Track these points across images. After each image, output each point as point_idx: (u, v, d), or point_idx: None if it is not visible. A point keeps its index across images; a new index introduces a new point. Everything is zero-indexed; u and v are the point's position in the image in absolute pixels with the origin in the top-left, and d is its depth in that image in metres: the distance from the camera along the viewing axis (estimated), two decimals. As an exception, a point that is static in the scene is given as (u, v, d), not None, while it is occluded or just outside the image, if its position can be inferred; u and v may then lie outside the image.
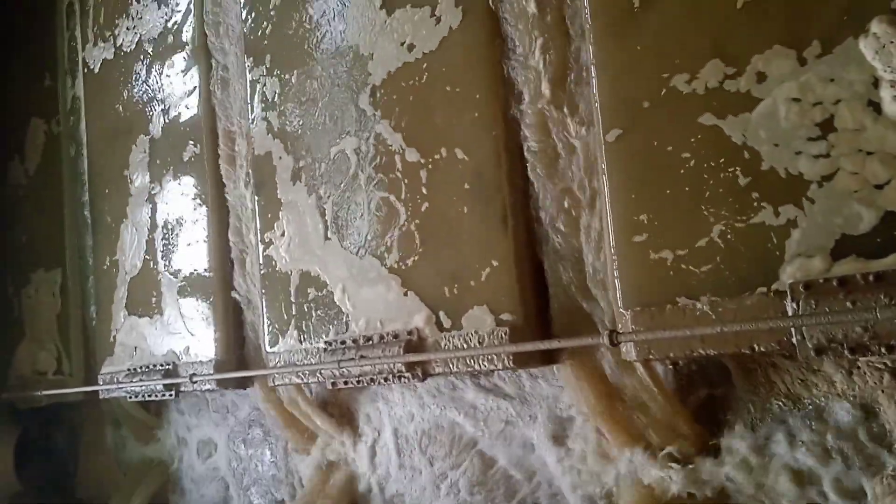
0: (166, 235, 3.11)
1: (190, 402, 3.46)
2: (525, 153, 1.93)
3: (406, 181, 2.12)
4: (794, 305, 1.35)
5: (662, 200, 1.57)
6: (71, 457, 4.41)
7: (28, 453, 4.41)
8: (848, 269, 1.32)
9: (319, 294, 2.38)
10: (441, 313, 2.02)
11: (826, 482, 1.56)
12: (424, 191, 2.07)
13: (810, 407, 1.60)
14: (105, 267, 3.52)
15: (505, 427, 2.18)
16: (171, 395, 2.98)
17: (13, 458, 4.26)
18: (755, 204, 1.45)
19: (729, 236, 1.47)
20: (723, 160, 1.49)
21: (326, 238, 2.36)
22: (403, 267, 2.12)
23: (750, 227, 1.45)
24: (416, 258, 2.09)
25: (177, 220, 3.06)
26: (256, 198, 2.65)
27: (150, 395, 3.08)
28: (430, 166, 2.06)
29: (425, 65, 2.09)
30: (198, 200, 2.96)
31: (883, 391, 1.50)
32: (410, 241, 2.11)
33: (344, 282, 2.29)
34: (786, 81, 1.41)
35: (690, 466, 1.68)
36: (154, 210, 3.18)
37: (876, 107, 1.32)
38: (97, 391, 3.47)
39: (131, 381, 3.16)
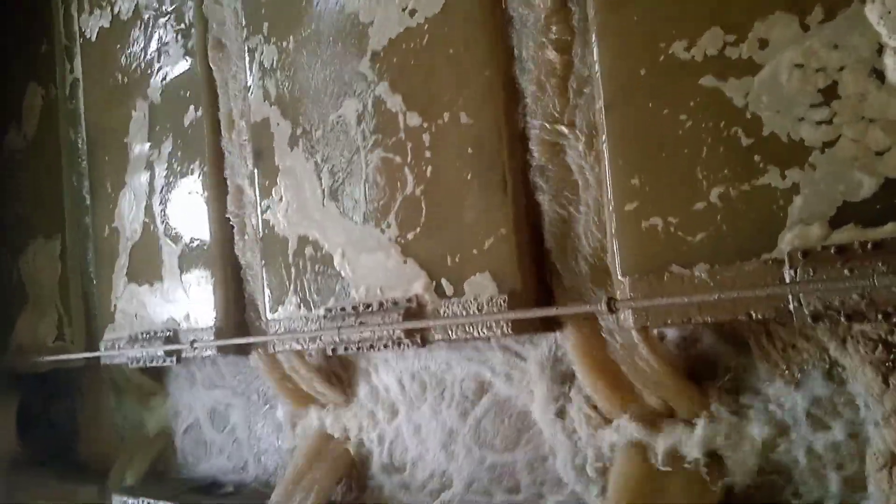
0: (165, 202, 3.11)
1: (192, 367, 3.49)
2: (526, 119, 1.92)
3: (407, 147, 2.11)
4: (792, 273, 1.36)
5: (660, 166, 1.57)
6: (73, 422, 4.45)
7: (30, 419, 4.45)
8: (846, 238, 1.33)
9: (318, 260, 2.38)
10: (440, 281, 2.03)
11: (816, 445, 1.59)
12: (427, 154, 2.06)
13: (803, 374, 1.61)
14: (105, 234, 3.52)
15: (508, 383, 2.19)
16: (172, 362, 3.00)
17: (15, 423, 4.30)
18: (760, 166, 1.43)
19: (729, 200, 1.47)
20: (723, 122, 1.48)
21: (324, 204, 2.36)
22: (403, 234, 2.12)
23: (754, 189, 1.44)
24: (417, 225, 2.09)
25: (176, 186, 3.06)
26: (255, 164, 2.65)
27: (151, 362, 3.10)
28: (432, 130, 2.05)
29: (427, 27, 2.07)
30: (197, 167, 2.95)
31: (871, 363, 1.51)
32: (411, 207, 2.11)
33: (343, 247, 2.30)
34: (789, 47, 1.40)
35: (685, 429, 1.70)
36: (153, 176, 3.18)
37: (879, 74, 1.31)
38: (98, 357, 3.49)
39: (132, 348, 3.18)
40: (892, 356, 1.49)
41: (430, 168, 2.06)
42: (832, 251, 1.32)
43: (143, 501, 3.14)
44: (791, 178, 1.39)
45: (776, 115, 1.41)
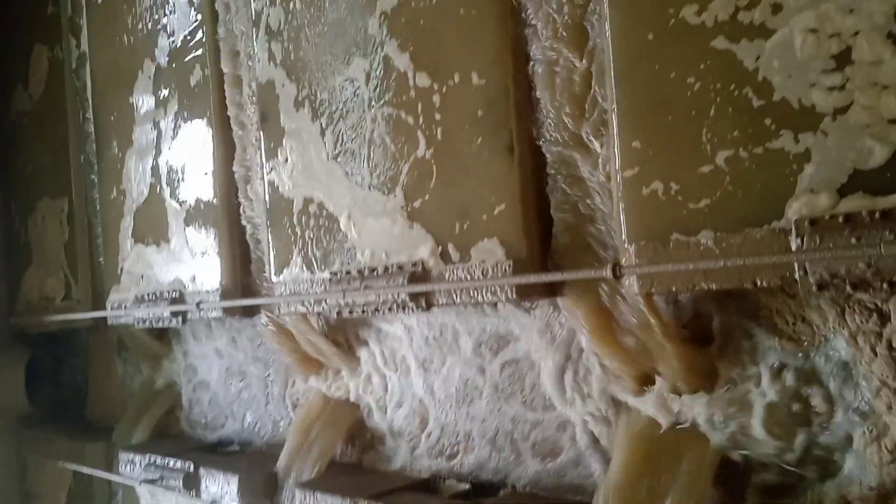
0: (172, 163, 3.11)
1: (199, 329, 3.51)
2: (534, 81, 1.90)
3: (416, 109, 2.10)
4: (799, 241, 1.35)
5: (666, 131, 1.56)
6: (80, 381, 4.50)
7: (38, 377, 4.51)
8: (854, 206, 1.32)
9: (324, 222, 2.38)
10: (446, 245, 2.03)
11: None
12: (437, 117, 2.04)
13: (805, 343, 1.62)
14: (111, 195, 3.53)
15: (515, 343, 2.20)
16: (178, 322, 3.02)
17: (24, 381, 4.35)
18: (771, 129, 1.42)
19: (737, 166, 1.46)
20: (733, 85, 1.46)
21: (330, 166, 2.36)
22: (409, 198, 2.12)
23: (764, 153, 1.42)
24: (423, 189, 2.08)
25: (182, 147, 3.05)
26: (260, 126, 2.64)
27: (157, 322, 3.13)
28: (442, 91, 2.03)
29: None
30: (203, 127, 2.94)
31: (864, 332, 1.52)
32: (418, 171, 2.10)
33: (349, 209, 2.30)
34: (803, 12, 1.37)
35: (687, 397, 1.71)
36: (159, 137, 3.17)
37: (895, 39, 1.29)
38: (105, 317, 3.52)
39: (139, 308, 3.21)
40: (883, 326, 1.49)
41: (438, 131, 2.04)
42: (840, 220, 1.32)
43: (149, 458, 3.19)
44: (803, 143, 1.38)
45: (788, 80, 1.39)
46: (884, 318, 1.49)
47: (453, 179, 2.01)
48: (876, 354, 1.50)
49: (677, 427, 1.72)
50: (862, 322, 1.52)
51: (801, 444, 1.61)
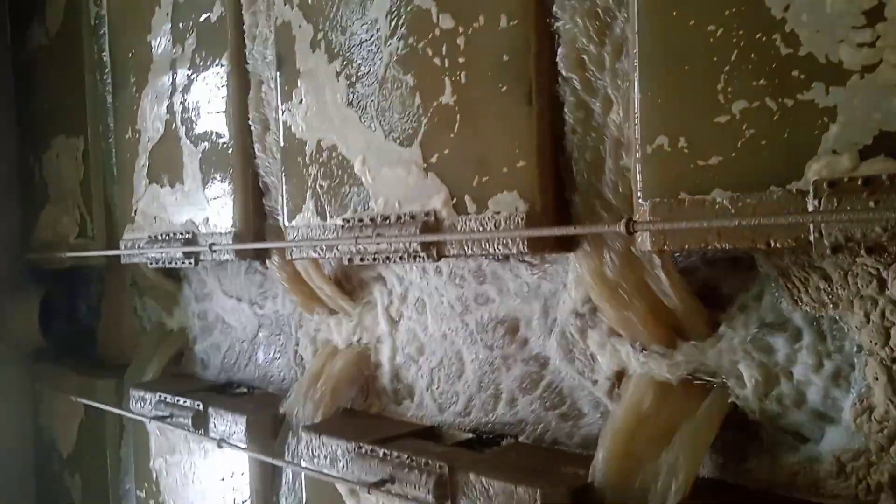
0: (188, 103, 3.09)
1: (212, 272, 3.54)
2: (555, 31, 1.87)
3: (439, 52, 2.05)
4: (816, 202, 1.34)
5: (688, 83, 1.52)
6: (93, 319, 4.57)
7: (52, 313, 4.58)
8: (875, 169, 1.29)
9: (338, 167, 2.38)
10: (459, 196, 2.02)
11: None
12: (460, 60, 2.00)
13: (808, 307, 1.62)
14: (126, 134, 3.53)
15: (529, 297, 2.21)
16: (190, 264, 3.04)
17: (38, 317, 4.42)
18: (798, 82, 1.38)
19: (761, 121, 1.43)
20: (759, 34, 1.43)
21: (345, 111, 2.34)
22: (426, 146, 2.10)
23: (792, 108, 1.39)
24: (440, 138, 2.06)
25: (198, 87, 3.04)
26: (277, 67, 2.62)
27: (170, 263, 3.15)
28: (467, 33, 1.98)
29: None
30: (220, 67, 2.92)
31: (862, 297, 1.51)
32: (435, 119, 2.08)
33: (364, 154, 2.29)
34: (835, -34, 1.34)
35: (695, 349, 1.72)
36: (175, 76, 3.16)
37: (929, -3, 1.25)
38: (119, 256, 3.55)
39: (152, 248, 3.23)
40: (881, 293, 1.49)
41: (461, 76, 2.01)
42: (859, 182, 1.30)
43: (159, 396, 3.25)
44: (832, 98, 1.34)
45: (815, 35, 1.36)
46: (882, 285, 1.49)
47: (470, 129, 1.99)
48: (868, 321, 1.51)
49: (683, 381, 1.73)
50: (862, 286, 1.51)
51: (794, 403, 1.63)
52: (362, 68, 2.29)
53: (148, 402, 3.34)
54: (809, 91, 1.37)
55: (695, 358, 1.72)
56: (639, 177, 1.62)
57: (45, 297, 4.53)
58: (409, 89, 2.14)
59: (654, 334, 1.78)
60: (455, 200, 2.02)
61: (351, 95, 2.33)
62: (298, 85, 2.52)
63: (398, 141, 2.18)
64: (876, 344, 1.50)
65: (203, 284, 3.61)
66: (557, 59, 1.86)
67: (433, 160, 2.08)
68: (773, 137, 1.42)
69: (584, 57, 1.82)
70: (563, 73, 1.86)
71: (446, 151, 2.05)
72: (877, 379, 1.50)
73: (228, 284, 3.44)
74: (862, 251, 1.31)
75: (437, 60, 2.06)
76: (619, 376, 1.92)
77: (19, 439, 4.73)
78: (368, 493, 2.15)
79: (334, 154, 2.39)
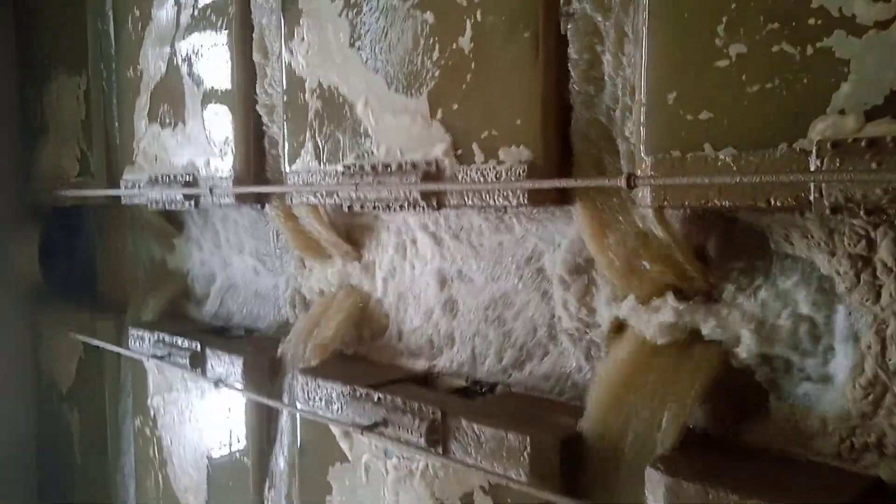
0: (191, 43, 3.06)
1: (213, 215, 3.54)
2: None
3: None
4: (818, 162, 1.34)
5: (697, 38, 1.51)
6: (93, 258, 4.58)
7: (51, 251, 4.59)
8: (880, 131, 1.29)
9: (340, 111, 2.36)
10: (461, 146, 2.01)
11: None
12: (463, 4, 1.98)
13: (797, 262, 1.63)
14: (128, 73, 3.49)
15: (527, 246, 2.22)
16: (190, 206, 3.04)
17: (38, 254, 4.43)
18: (812, 34, 1.36)
19: (770, 81, 1.42)
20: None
21: (349, 53, 2.32)
22: (430, 95, 2.09)
23: (805, 67, 1.37)
24: (444, 86, 2.05)
25: (202, 25, 3.00)
26: (282, 8, 2.58)
27: (170, 205, 3.16)
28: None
29: None
30: (223, 6, 2.88)
31: (850, 256, 1.52)
32: (441, 68, 2.06)
33: (366, 95, 2.27)
34: (852, -83, 1.31)
35: (686, 308, 1.74)
36: (179, 13, 3.11)
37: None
38: (119, 196, 3.54)
39: (152, 189, 3.23)
40: (868, 254, 1.51)
41: (468, 23, 1.98)
42: (863, 144, 1.29)
43: (157, 335, 3.28)
44: (846, 52, 1.33)
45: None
46: (872, 245, 1.50)
47: (480, 77, 1.97)
48: (859, 281, 1.52)
49: (675, 335, 1.76)
50: (850, 246, 1.52)
51: (787, 364, 1.66)
52: (369, 9, 2.26)
53: (146, 341, 3.38)
54: (830, 37, 1.35)
55: (689, 313, 1.74)
56: (642, 131, 1.62)
57: (45, 235, 4.53)
58: (418, 35, 2.11)
59: (650, 289, 1.80)
60: (458, 150, 2.02)
61: (355, 36, 2.30)
62: (301, 23, 2.49)
63: (402, 85, 2.16)
64: (867, 301, 1.52)
65: (204, 227, 3.61)
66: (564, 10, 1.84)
67: (439, 108, 2.07)
68: (783, 94, 1.41)
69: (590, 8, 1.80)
70: (570, 26, 1.84)
71: (453, 100, 2.03)
72: (869, 347, 1.52)
73: (230, 227, 3.44)
74: (861, 213, 1.32)
75: (445, 5, 2.04)
76: (615, 330, 1.94)
77: (19, 374, 4.79)
78: (362, 435, 2.19)
79: (337, 98, 2.38)
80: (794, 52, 1.39)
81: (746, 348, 1.67)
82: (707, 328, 1.71)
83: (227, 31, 2.86)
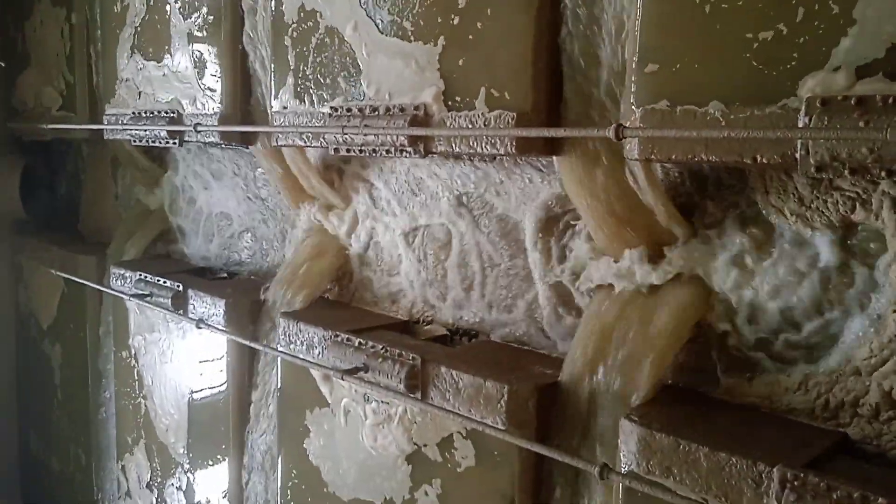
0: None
1: (196, 154, 3.50)
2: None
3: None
4: (807, 119, 1.33)
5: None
6: (75, 193, 4.54)
7: (34, 186, 4.53)
8: (870, 89, 1.28)
9: (329, 45, 2.32)
10: (451, 91, 1.99)
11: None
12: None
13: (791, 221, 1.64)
14: (114, 6, 3.40)
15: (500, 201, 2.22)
16: (174, 143, 3.00)
17: (18, 187, 4.38)
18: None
19: (761, 40, 1.40)
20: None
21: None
22: (422, 38, 2.05)
23: (802, 22, 1.36)
24: (436, 30, 2.01)
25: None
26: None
27: (153, 142, 3.11)
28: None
29: None
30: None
31: (841, 219, 1.53)
32: (432, 9, 2.02)
33: (356, 27, 2.23)
34: None
35: (671, 259, 1.75)
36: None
37: None
38: (101, 131, 3.49)
39: (135, 125, 3.17)
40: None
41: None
42: (852, 102, 1.28)
43: (139, 275, 3.26)
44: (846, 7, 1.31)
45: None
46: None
47: (471, 20, 1.94)
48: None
49: (655, 288, 1.77)
50: (844, 211, 1.53)
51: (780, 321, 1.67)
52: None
53: (128, 280, 3.36)
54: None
55: (671, 267, 1.74)
56: (633, 82, 1.60)
57: (26, 169, 4.47)
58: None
59: (633, 242, 1.80)
60: (446, 96, 1.99)
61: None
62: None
63: (394, 29, 2.12)
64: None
65: (187, 165, 3.57)
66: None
67: (431, 52, 2.03)
68: (780, 47, 1.39)
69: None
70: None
71: (444, 43, 2.00)
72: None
73: (214, 166, 3.41)
74: (846, 171, 1.32)
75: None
76: (594, 280, 1.94)
77: (0, 307, 4.78)
78: (342, 379, 2.20)
79: (326, 32, 2.33)
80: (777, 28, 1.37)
81: (733, 303, 1.68)
82: (688, 279, 1.72)
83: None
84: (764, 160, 1.40)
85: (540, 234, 2.10)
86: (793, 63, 1.37)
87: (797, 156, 1.35)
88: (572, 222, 2.04)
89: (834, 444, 1.51)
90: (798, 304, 1.62)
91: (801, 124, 1.33)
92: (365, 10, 2.20)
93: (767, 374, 1.69)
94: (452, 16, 1.97)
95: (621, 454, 1.62)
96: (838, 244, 1.56)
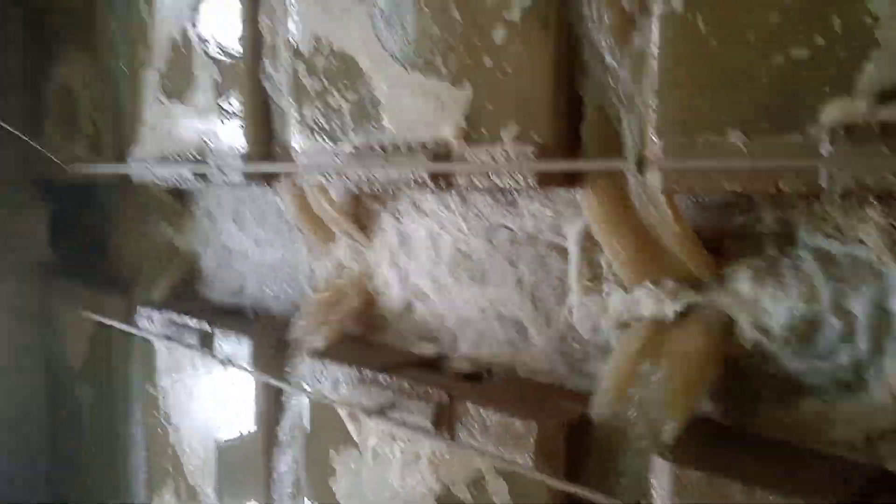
0: (200, 17, 3.04)
1: (222, 195, 3.54)
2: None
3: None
4: (830, 147, 1.31)
5: (713, 19, 1.49)
6: (102, 236, 4.60)
7: (62, 229, 4.61)
8: (893, 115, 1.27)
9: (351, 86, 2.34)
10: (471, 126, 1.99)
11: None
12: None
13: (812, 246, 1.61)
14: (138, 48, 3.48)
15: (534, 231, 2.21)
16: (199, 184, 3.04)
17: (47, 230, 4.45)
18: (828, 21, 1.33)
19: (785, 64, 1.39)
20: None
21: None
22: (441, 73, 2.06)
23: (815, 52, 1.36)
24: (459, 64, 2.02)
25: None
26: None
27: (178, 182, 3.15)
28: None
29: None
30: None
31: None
32: (455, 45, 2.03)
33: (379, 74, 2.25)
34: None
35: (699, 291, 1.72)
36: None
37: None
38: (128, 173, 3.54)
39: (161, 166, 3.22)
40: None
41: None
42: (876, 128, 1.27)
43: (166, 315, 3.29)
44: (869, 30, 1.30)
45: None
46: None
47: (486, 56, 1.94)
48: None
49: (684, 321, 1.74)
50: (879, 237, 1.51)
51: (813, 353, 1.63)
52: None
53: (156, 320, 3.39)
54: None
55: (700, 298, 1.72)
56: (653, 113, 1.59)
57: (54, 212, 4.55)
58: (432, 12, 2.08)
59: (659, 274, 1.78)
60: (466, 130, 2.00)
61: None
62: None
63: (414, 66, 2.14)
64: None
65: (214, 205, 3.61)
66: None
67: (452, 88, 2.04)
68: (802, 76, 1.38)
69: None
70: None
71: (465, 79, 2.01)
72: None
73: (240, 207, 3.44)
74: (872, 198, 1.30)
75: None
76: (623, 315, 1.92)
77: (30, 350, 4.83)
78: (369, 418, 2.19)
79: (346, 69, 2.35)
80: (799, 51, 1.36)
81: (765, 334, 1.65)
82: (715, 313, 1.69)
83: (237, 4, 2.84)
84: (788, 189, 1.39)
85: (570, 266, 2.09)
86: (814, 89, 1.36)
87: (822, 183, 1.34)
88: (600, 254, 2.02)
89: (874, 479, 1.46)
90: (831, 333, 1.59)
91: (824, 152, 1.32)
92: (385, 46, 2.22)
93: (804, 403, 1.65)
94: (472, 51, 1.98)
95: (653, 491, 1.58)
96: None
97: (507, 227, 2.25)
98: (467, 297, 2.38)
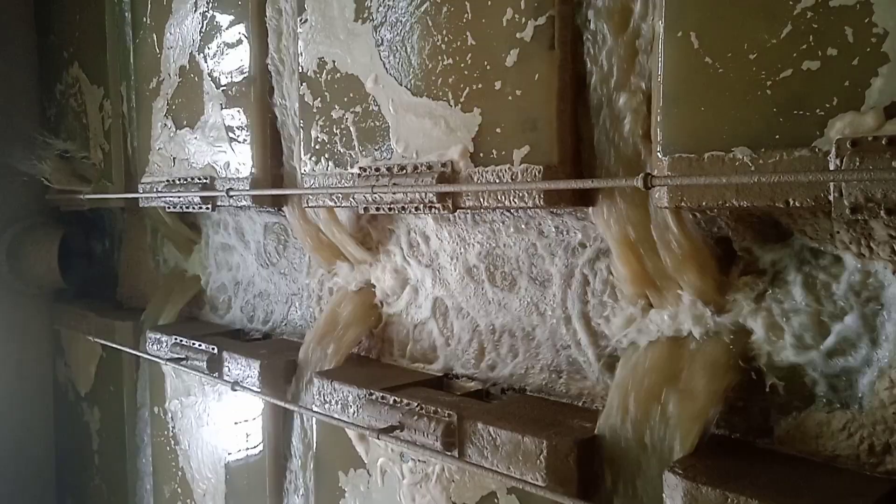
0: (208, 47, 3.08)
1: (231, 218, 3.56)
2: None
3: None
4: (838, 161, 1.32)
5: (718, 36, 1.50)
6: (112, 262, 4.62)
7: (71, 255, 4.63)
8: (900, 130, 1.27)
9: (359, 111, 2.36)
10: (477, 147, 2.01)
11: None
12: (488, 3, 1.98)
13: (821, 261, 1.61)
14: (148, 77, 3.52)
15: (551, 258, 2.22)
16: (207, 209, 3.06)
17: (57, 257, 4.47)
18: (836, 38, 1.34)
19: (788, 81, 1.40)
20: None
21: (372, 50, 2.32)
22: (448, 95, 2.08)
23: (820, 69, 1.37)
24: (463, 85, 2.04)
25: (220, 26, 3.02)
26: (297, 12, 2.60)
27: (187, 207, 3.17)
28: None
29: None
30: (241, 8, 2.90)
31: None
32: (458, 66, 2.05)
33: (389, 100, 2.27)
34: None
35: (710, 310, 1.72)
36: (197, 15, 3.13)
37: None
38: (137, 199, 3.57)
39: (170, 192, 3.25)
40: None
41: (479, 20, 1.98)
42: (883, 142, 1.27)
43: (175, 339, 3.29)
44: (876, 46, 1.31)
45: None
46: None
47: (493, 75, 1.97)
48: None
49: (693, 338, 1.74)
50: (887, 255, 1.51)
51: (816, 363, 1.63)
52: (389, 17, 2.26)
53: (164, 344, 3.39)
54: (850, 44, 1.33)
55: (708, 316, 1.72)
56: (659, 131, 1.60)
57: (64, 238, 4.57)
58: (437, 33, 2.11)
59: (670, 290, 1.78)
60: (473, 151, 2.01)
61: (377, 39, 2.31)
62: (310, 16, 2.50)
63: (420, 89, 2.16)
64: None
65: (221, 230, 3.63)
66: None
67: (459, 111, 2.06)
68: (809, 91, 1.38)
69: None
70: (588, 21, 1.83)
71: (472, 102, 2.03)
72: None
73: (247, 231, 3.46)
74: (882, 212, 1.30)
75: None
76: (633, 332, 1.92)
77: (39, 375, 4.84)
78: (378, 438, 2.18)
79: (352, 95, 2.38)
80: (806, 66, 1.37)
81: (773, 351, 1.65)
82: (724, 329, 1.69)
83: (243, 32, 2.88)
84: (796, 203, 1.39)
85: (577, 284, 2.09)
86: (820, 104, 1.37)
87: (830, 198, 1.34)
88: (608, 271, 2.02)
89: (886, 494, 1.45)
90: (837, 344, 1.59)
91: (832, 166, 1.33)
92: (390, 71, 2.25)
93: (813, 415, 1.64)
94: (478, 74, 2.00)
95: (667, 508, 1.57)
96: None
97: (517, 245, 2.25)
98: (477, 315, 2.38)
